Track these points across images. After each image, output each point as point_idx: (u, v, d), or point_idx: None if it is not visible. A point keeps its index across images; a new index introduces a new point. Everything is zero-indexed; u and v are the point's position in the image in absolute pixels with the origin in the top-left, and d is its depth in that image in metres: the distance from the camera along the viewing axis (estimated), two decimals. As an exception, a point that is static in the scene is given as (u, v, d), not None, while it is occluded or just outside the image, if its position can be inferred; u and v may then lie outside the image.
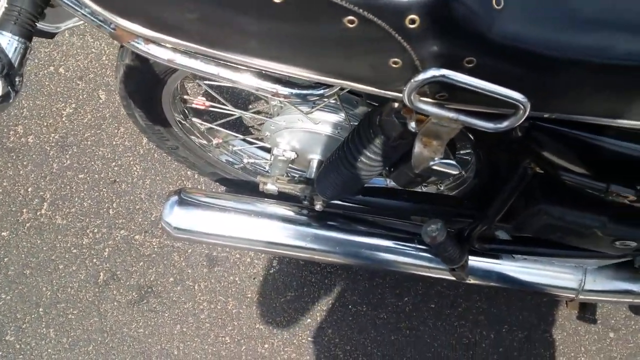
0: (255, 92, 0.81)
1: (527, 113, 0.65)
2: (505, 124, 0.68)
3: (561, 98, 0.68)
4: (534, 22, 0.60)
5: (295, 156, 1.23)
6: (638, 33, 0.61)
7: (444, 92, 0.66)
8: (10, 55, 0.73)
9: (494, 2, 0.58)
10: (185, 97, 1.29)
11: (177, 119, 1.28)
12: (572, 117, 0.71)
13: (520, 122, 0.67)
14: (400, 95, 0.67)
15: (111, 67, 1.84)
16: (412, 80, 0.63)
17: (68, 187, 1.75)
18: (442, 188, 1.45)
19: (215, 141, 1.44)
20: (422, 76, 0.62)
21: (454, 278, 1.23)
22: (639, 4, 0.62)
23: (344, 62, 0.67)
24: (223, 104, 1.29)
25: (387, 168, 0.99)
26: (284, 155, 1.22)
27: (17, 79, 0.74)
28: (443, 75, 0.62)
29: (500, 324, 1.66)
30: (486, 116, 0.69)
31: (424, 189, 1.48)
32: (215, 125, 1.40)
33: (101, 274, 1.68)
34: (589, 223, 0.97)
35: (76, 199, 1.74)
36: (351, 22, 0.59)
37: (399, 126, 0.81)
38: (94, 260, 1.69)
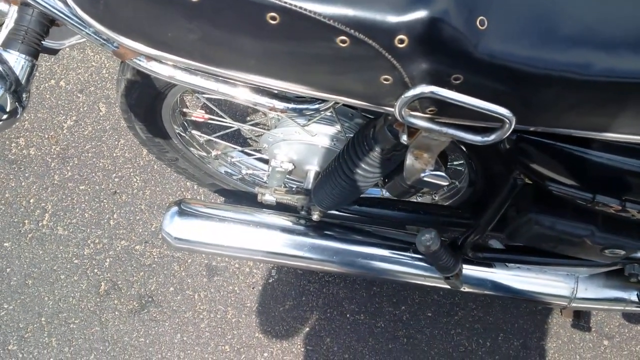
0: (253, 106, 0.83)
1: (512, 127, 0.68)
2: (492, 137, 0.70)
3: (545, 112, 0.70)
4: (515, 41, 0.63)
5: (293, 167, 1.25)
6: (615, 51, 0.64)
7: (433, 106, 0.69)
8: (17, 73, 0.76)
9: (477, 22, 0.61)
10: (185, 110, 1.30)
11: (177, 131, 1.30)
12: (556, 130, 0.74)
13: (507, 135, 0.69)
14: (392, 109, 0.70)
15: (111, 80, 1.87)
16: (402, 96, 0.66)
17: (69, 198, 1.77)
18: (437, 198, 1.47)
19: (214, 153, 1.46)
20: (411, 92, 0.65)
21: (448, 286, 1.25)
22: (616, 25, 0.65)
23: (337, 78, 0.69)
24: (222, 117, 1.31)
25: (381, 179, 1.01)
26: (281, 167, 1.24)
27: (24, 95, 0.77)
28: (431, 92, 0.64)
29: (496, 332, 1.68)
30: (474, 129, 0.71)
31: (419, 199, 1.50)
32: (214, 137, 1.42)
33: (102, 283, 1.70)
34: (578, 232, 0.99)
35: (77, 210, 1.76)
36: (343, 41, 0.62)
37: (391, 139, 0.84)
38: (95, 270, 1.71)
